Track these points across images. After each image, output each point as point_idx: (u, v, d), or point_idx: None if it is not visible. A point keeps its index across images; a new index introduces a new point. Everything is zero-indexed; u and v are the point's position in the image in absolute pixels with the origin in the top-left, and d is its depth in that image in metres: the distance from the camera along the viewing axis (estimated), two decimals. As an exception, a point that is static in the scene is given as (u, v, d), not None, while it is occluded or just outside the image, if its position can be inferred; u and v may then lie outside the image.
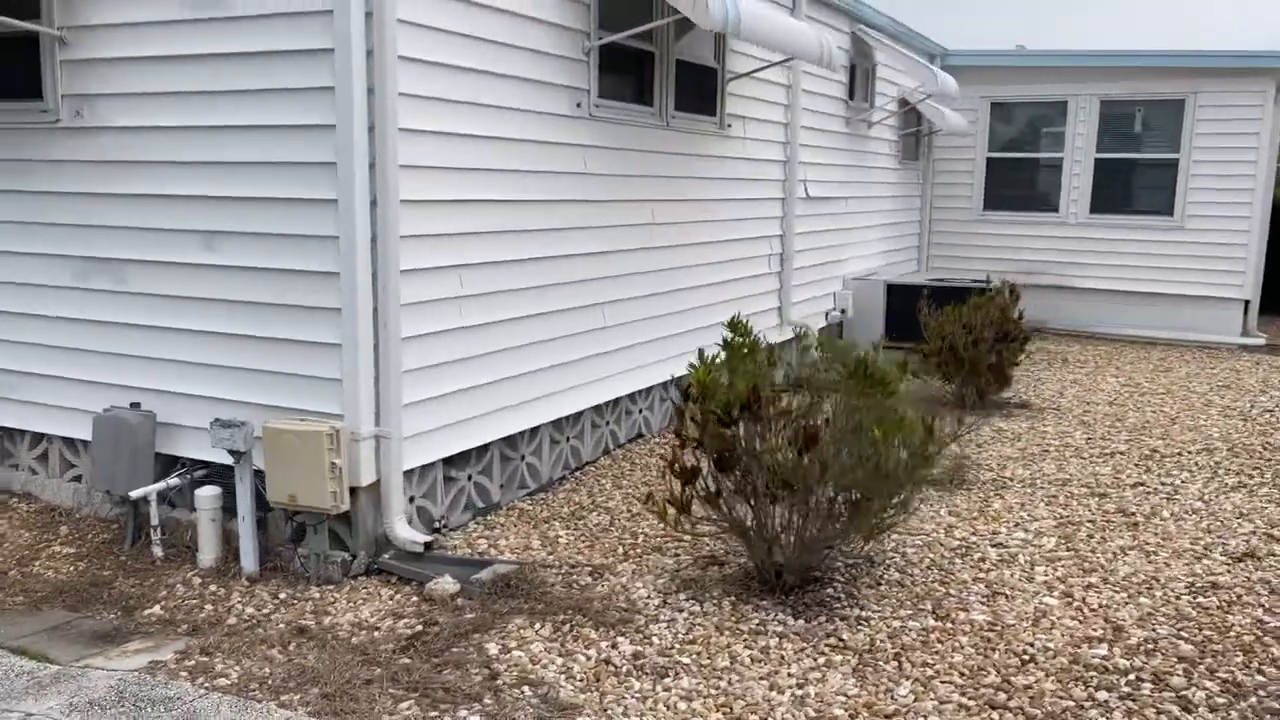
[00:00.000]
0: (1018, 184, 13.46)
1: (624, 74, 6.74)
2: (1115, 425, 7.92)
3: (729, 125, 8.03)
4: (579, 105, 6.14)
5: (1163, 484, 6.36)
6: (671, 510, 4.62)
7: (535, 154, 5.77)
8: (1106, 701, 3.64)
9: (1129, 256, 12.77)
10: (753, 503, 4.51)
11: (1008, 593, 4.61)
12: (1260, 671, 3.90)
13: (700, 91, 7.73)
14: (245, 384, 4.93)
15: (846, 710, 3.59)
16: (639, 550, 5.12)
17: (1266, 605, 4.51)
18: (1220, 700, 3.67)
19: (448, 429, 5.23)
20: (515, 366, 5.67)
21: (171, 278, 5.08)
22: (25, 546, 5.12)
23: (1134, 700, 3.65)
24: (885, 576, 4.77)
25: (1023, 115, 13.48)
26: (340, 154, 4.54)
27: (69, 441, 5.56)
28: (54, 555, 5.04)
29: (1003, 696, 3.68)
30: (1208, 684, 3.78)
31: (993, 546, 5.21)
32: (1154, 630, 4.22)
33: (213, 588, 4.69)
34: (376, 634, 4.18)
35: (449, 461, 5.38)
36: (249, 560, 4.83)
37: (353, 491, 4.75)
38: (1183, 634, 4.20)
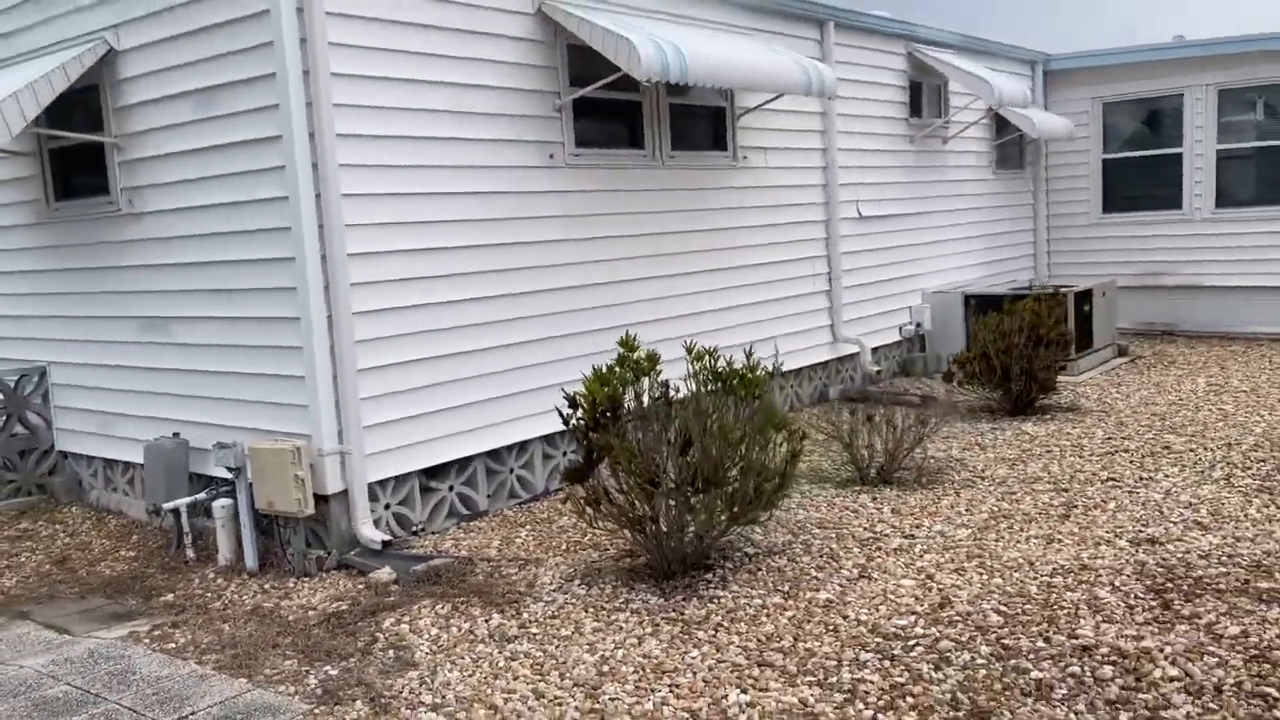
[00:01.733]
0: (1137, 184, 12.95)
1: (608, 123, 7.45)
2: (1151, 424, 7.73)
3: (744, 157, 8.55)
4: (552, 156, 6.91)
5: (1139, 479, 6.29)
6: (589, 509, 5.25)
7: (505, 203, 6.59)
8: (865, 661, 3.95)
9: (1262, 250, 12.01)
10: (634, 498, 5.05)
11: (873, 576, 4.90)
12: (1046, 639, 4.05)
13: (707, 129, 8.31)
14: (248, 414, 5.99)
15: (634, 667, 4.09)
16: (579, 548, 5.75)
17: (1115, 584, 4.57)
18: (980, 661, 3.88)
19: (416, 446, 6.08)
20: (485, 391, 6.45)
21: (196, 330, 6.24)
22: (101, 551, 6.40)
23: (890, 660, 3.94)
24: (771, 564, 5.16)
25: (1138, 113, 12.99)
26: (292, 219, 5.52)
27: (142, 466, 6.84)
28: (118, 558, 6.27)
29: (778, 657, 4.06)
30: (982, 648, 4.00)
31: (902, 537, 5.46)
32: (979, 606, 4.42)
33: (219, 581, 5.73)
34: (311, 613, 5.05)
35: (428, 473, 6.23)
36: (250, 558, 5.85)
37: (323, 499, 5.68)
38: (1004, 608, 4.38)
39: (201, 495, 6.15)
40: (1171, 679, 3.70)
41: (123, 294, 6.74)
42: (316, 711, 3.93)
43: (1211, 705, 3.51)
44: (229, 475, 5.88)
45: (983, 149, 12.07)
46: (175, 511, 6.15)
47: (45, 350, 7.45)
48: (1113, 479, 6.32)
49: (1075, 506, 5.81)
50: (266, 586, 5.56)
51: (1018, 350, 8.28)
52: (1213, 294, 12.30)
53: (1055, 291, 9.24)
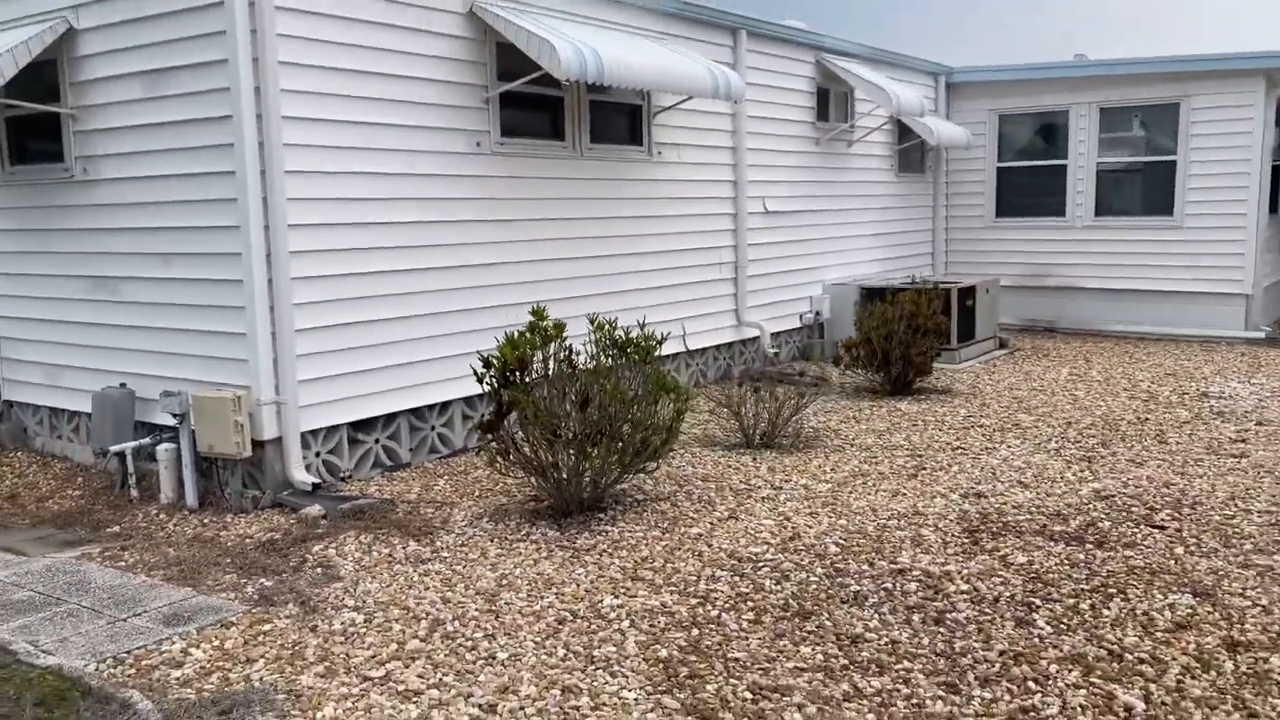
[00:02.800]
0: (1027, 191, 14.04)
1: (532, 115, 8.16)
2: (1009, 405, 8.71)
3: (659, 152, 9.32)
4: (479, 144, 7.60)
5: (984, 449, 7.22)
6: (499, 458, 5.98)
7: (434, 185, 7.26)
8: (719, 577, 4.77)
9: (1133, 256, 13.17)
10: (538, 448, 5.80)
11: (740, 517, 5.72)
12: (871, 564, 4.91)
13: (625, 125, 9.06)
14: (192, 366, 6.59)
15: (528, 581, 4.85)
16: (490, 494, 6.47)
17: (939, 526, 5.46)
18: (813, 579, 4.72)
19: (346, 401, 6.74)
20: (411, 354, 7.13)
21: (143, 289, 6.82)
22: (48, 490, 6.94)
23: (740, 576, 4.76)
24: (656, 508, 5.96)
25: (1029, 126, 14.07)
26: (239, 191, 6.14)
27: (90, 415, 7.39)
28: (66, 496, 6.83)
29: (649, 574, 4.85)
30: (817, 569, 4.84)
31: (771, 489, 6.30)
32: (822, 540, 5.27)
33: (162, 516, 6.33)
34: (247, 541, 5.71)
35: (356, 426, 6.90)
36: (191, 497, 6.47)
37: (259, 444, 6.32)
38: (842, 542, 5.23)
39: (146, 440, 6.74)
40: (962, 592, 4.58)
41: (74, 255, 7.26)
42: (254, 611, 4.61)
43: (987, 610, 4.38)
44: (173, 422, 6.48)
45: (886, 153, 13.02)
46: (121, 455, 6.73)
47: (-6, 305, 7.93)
48: (961, 448, 7.25)
49: (924, 468, 6.72)
50: (206, 521, 6.19)
51: (898, 337, 9.20)
52: (1089, 295, 13.45)
53: (935, 286, 10.21)
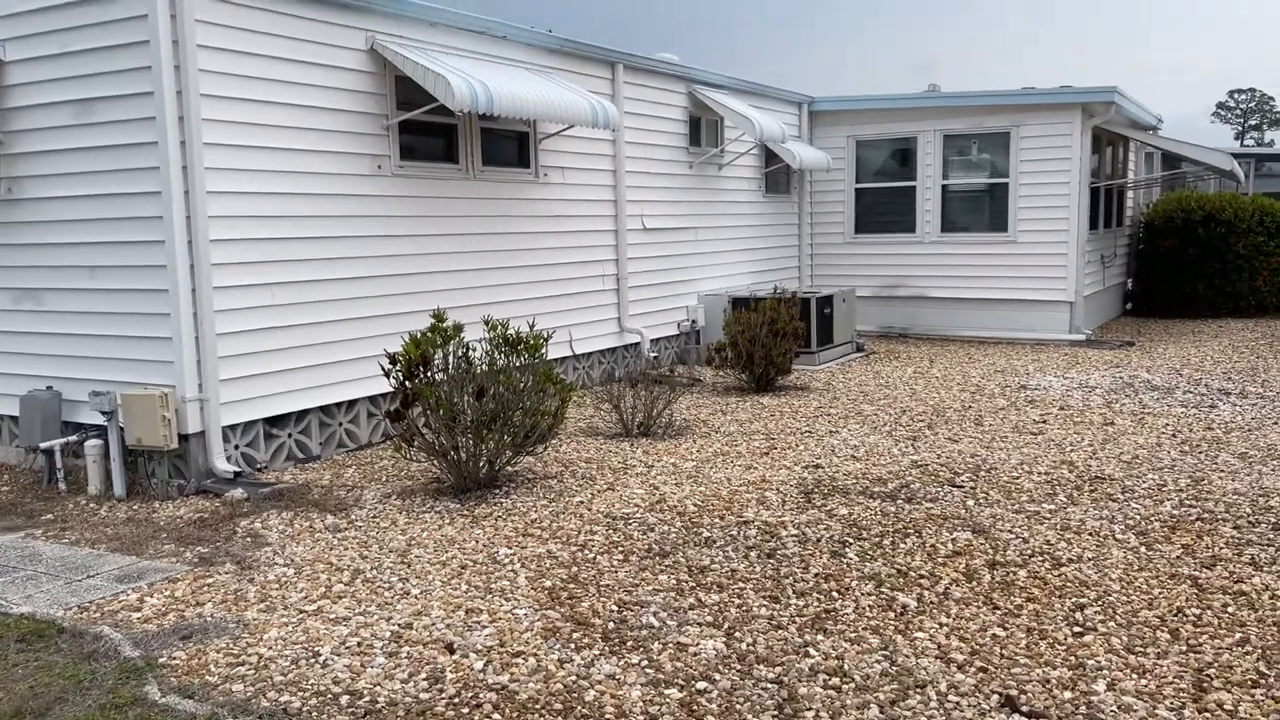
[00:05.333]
0: (882, 210, 15.47)
1: (429, 140, 9.02)
2: (856, 399, 9.91)
3: (545, 175, 10.27)
4: (380, 167, 8.43)
5: (828, 432, 8.36)
6: (404, 445, 6.81)
7: (340, 204, 8.06)
8: (596, 531, 5.73)
9: (975, 269, 14.68)
10: (439, 434, 6.66)
11: (616, 489, 6.69)
12: (721, 517, 5.95)
13: (514, 149, 10.00)
14: (117, 369, 7.23)
15: (434, 541, 5.71)
16: (396, 479, 7.28)
17: (780, 490, 6.54)
18: (673, 531, 5.72)
19: (261, 399, 7.47)
20: (321, 356, 7.90)
21: (69, 300, 7.43)
22: (-23, 487, 7.47)
23: (613, 530, 5.74)
24: (545, 485, 6.88)
25: (884, 150, 15.51)
26: (165, 211, 6.85)
27: (14, 419, 7.91)
28: (-6, 491, 7.37)
29: (537, 531, 5.78)
30: (677, 522, 5.85)
31: (645, 467, 7.29)
32: (683, 503, 6.28)
33: (92, 505, 6.95)
34: (179, 520, 6.41)
35: (271, 422, 7.63)
36: (119, 487, 7.11)
37: (184, 437, 7.01)
38: (699, 504, 6.26)
39: (74, 437, 7.34)
40: (792, 535, 5.63)
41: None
42: (196, 570, 5.36)
43: (809, 548, 5.44)
44: (102, 419, 7.11)
45: (754, 175, 14.25)
46: (49, 451, 7.32)
47: (-87, 317, 8.37)
48: (809, 432, 8.39)
49: (775, 448, 7.81)
50: (136, 507, 6.84)
51: (760, 341, 10.34)
52: (937, 304, 14.92)
53: (794, 295, 11.41)
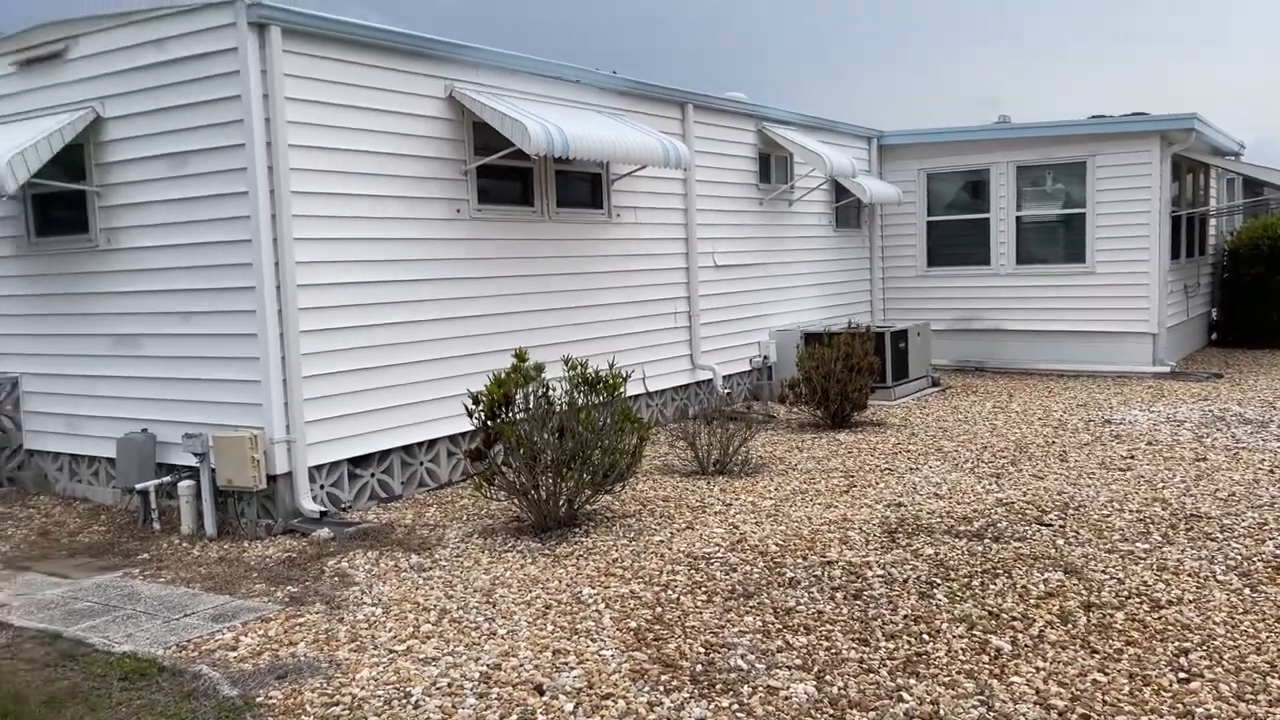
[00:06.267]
0: (955, 243, 15.31)
1: (505, 184, 9.19)
2: (935, 435, 9.76)
3: (618, 215, 10.38)
4: (459, 210, 8.60)
5: (908, 469, 8.25)
6: (484, 483, 6.89)
7: (420, 247, 8.23)
8: (678, 570, 5.71)
9: (1051, 301, 14.43)
10: (520, 473, 6.72)
11: (696, 527, 6.67)
12: (804, 557, 5.89)
13: (588, 191, 10.13)
14: (209, 412, 7.45)
15: (517, 580, 5.75)
16: (477, 518, 7.36)
17: (863, 529, 6.46)
18: (756, 570, 5.68)
19: (346, 440, 7.62)
20: (403, 397, 8.04)
21: (163, 345, 7.69)
22: (76, 527, 7.71)
23: (695, 570, 5.71)
24: (624, 523, 6.89)
25: (955, 183, 15.38)
26: (254, 258, 7.07)
27: (112, 461, 8.18)
28: (93, 532, 7.60)
29: (619, 571, 5.78)
30: (759, 562, 5.80)
31: (723, 505, 7.26)
32: (764, 541, 6.24)
33: (184, 545, 7.14)
34: (268, 559, 6.55)
35: (355, 462, 7.77)
36: (210, 526, 7.29)
37: (272, 478, 7.18)
38: (781, 543, 6.20)
39: (167, 478, 7.56)
40: (878, 576, 5.55)
41: (96, 315, 8.12)
42: (288, 609, 5.47)
43: (896, 588, 5.36)
44: (194, 461, 7.32)
45: (824, 210, 14.23)
46: (144, 492, 7.54)
47: (17, 363, 8.73)
48: (889, 469, 8.28)
49: (855, 486, 7.72)
50: (226, 546, 7.01)
51: (835, 376, 10.26)
52: (1014, 336, 14.67)
53: (869, 330, 11.31)
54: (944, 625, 4.83)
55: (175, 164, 7.46)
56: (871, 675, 4.32)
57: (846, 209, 14.76)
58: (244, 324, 7.20)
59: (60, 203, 8.28)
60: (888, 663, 4.45)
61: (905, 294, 15.58)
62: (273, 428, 7.15)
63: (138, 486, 7.52)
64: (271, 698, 4.30)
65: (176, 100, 7.36)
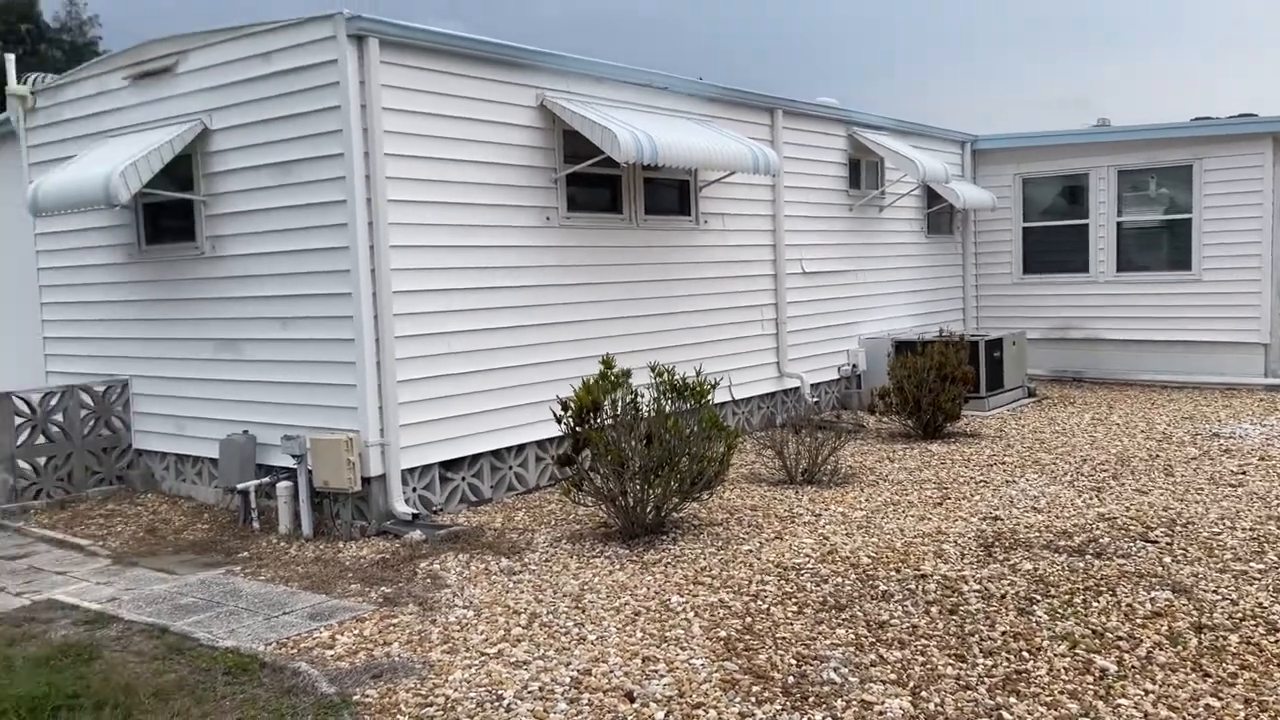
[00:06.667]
0: (1051, 249, 14.90)
1: (594, 191, 9.24)
2: (1032, 446, 9.50)
3: (705, 221, 10.36)
4: (548, 218, 8.68)
5: (1004, 482, 8.03)
6: (573, 489, 6.93)
7: (511, 255, 8.33)
8: (768, 580, 5.65)
9: (1154, 309, 13.93)
10: (608, 479, 6.73)
11: (785, 537, 6.60)
12: (897, 570, 5.77)
13: (675, 198, 10.13)
14: (306, 415, 7.63)
15: (606, 586, 5.75)
16: (564, 523, 7.39)
17: (958, 542, 6.30)
18: (848, 582, 5.58)
19: (437, 444, 7.74)
20: (493, 402, 8.13)
21: (263, 349, 7.91)
22: (181, 525, 7.98)
23: (786, 580, 5.63)
24: (711, 531, 6.85)
25: (1052, 188, 14.98)
26: (351, 265, 7.23)
27: (214, 461, 8.44)
28: (196, 529, 7.86)
29: (708, 579, 5.74)
30: (851, 574, 5.70)
31: (812, 515, 7.17)
32: (856, 553, 6.13)
33: (282, 544, 7.32)
34: (362, 560, 6.68)
35: (446, 465, 7.89)
36: (307, 527, 7.47)
37: (366, 480, 7.32)
38: (873, 555, 6.09)
39: (266, 479, 7.77)
40: (974, 591, 5.41)
41: (201, 320, 8.40)
42: (381, 610, 5.56)
43: (994, 604, 5.21)
44: (292, 462, 7.51)
45: (915, 216, 13.98)
46: (245, 492, 7.77)
47: (128, 366, 9.08)
48: (984, 481, 8.07)
49: (948, 498, 7.55)
50: (321, 547, 7.17)
51: (927, 385, 10.06)
52: (1114, 346, 14.20)
53: (963, 339, 11.07)
54: (1045, 643, 4.68)
55: (277, 174, 7.68)
56: (969, 693, 4.21)
57: (939, 215, 14.48)
58: (341, 329, 7.37)
59: (169, 212, 8.59)
60: (986, 680, 4.32)
61: (999, 302, 15.21)
62: (368, 431, 7.29)
63: (239, 486, 7.75)
64: (367, 696, 4.37)
65: (279, 112, 7.58)
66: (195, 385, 8.50)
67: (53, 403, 8.72)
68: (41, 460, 8.65)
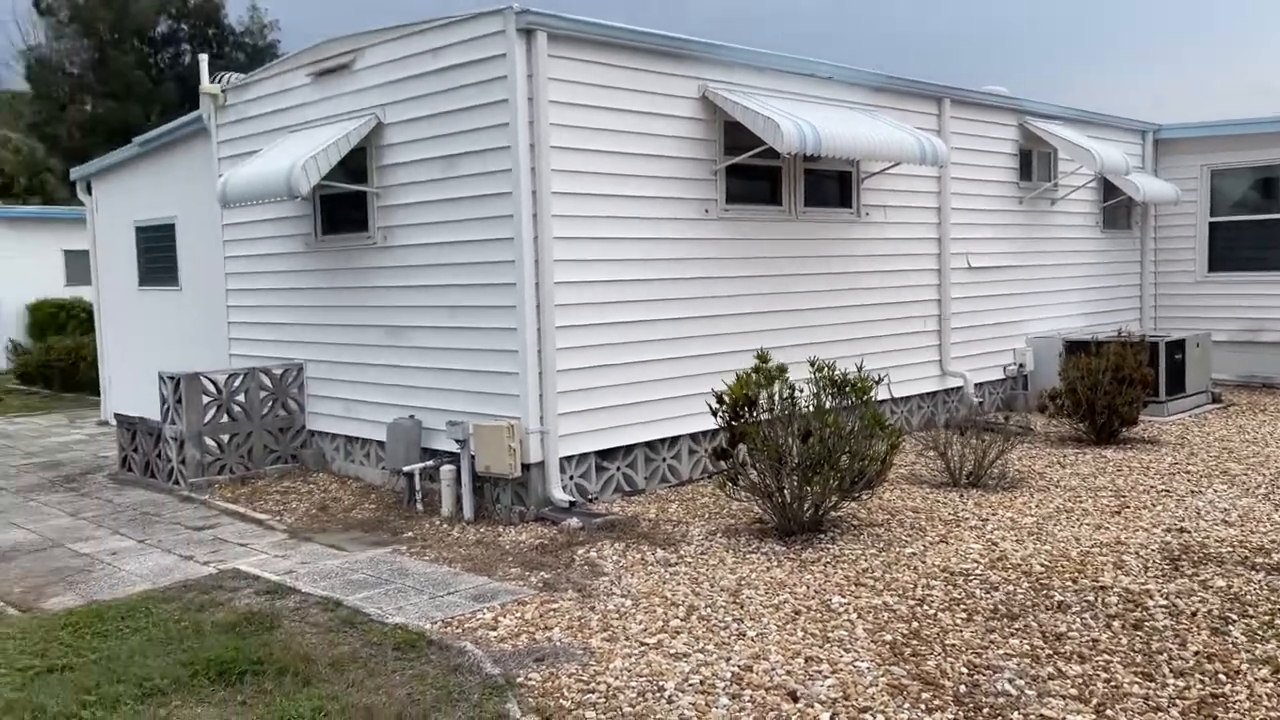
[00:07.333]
0: (1241, 245, 13.90)
1: (752, 183, 9.13)
2: (1219, 456, 8.88)
3: (867, 213, 10.10)
4: (707, 210, 8.62)
5: (1190, 492, 7.53)
6: (728, 483, 6.87)
7: (669, 247, 8.31)
8: (934, 585, 5.43)
9: (1361, 310, 12.83)
10: (764, 475, 6.64)
11: (950, 541, 6.35)
12: (1074, 580, 5.46)
13: (836, 189, 9.92)
14: (469, 401, 7.83)
15: (764, 583, 5.66)
16: (718, 517, 7.34)
17: (1140, 554, 5.91)
18: (1020, 591, 5.32)
19: (594, 433, 7.80)
20: (649, 394, 8.14)
21: (430, 337, 8.15)
22: (350, 503, 8.32)
23: (953, 585, 5.41)
24: (871, 532, 6.66)
25: (1244, 179, 13.96)
26: (516, 256, 7.36)
27: (381, 444, 8.76)
28: (363, 509, 8.17)
29: (870, 581, 5.57)
30: (1023, 583, 5.43)
31: (978, 520, 6.88)
32: (1028, 561, 5.84)
33: (444, 526, 7.53)
34: (521, 545, 6.79)
35: (601, 455, 7.95)
36: (468, 510, 7.66)
37: (526, 467, 7.45)
38: (1047, 563, 5.79)
39: (430, 462, 8.00)
40: (1160, 606, 5.07)
41: (372, 308, 8.72)
42: (541, 594, 5.63)
43: (1183, 622, 4.87)
44: (455, 447, 7.71)
45: (1090, 210, 13.28)
46: (410, 474, 8.03)
47: (303, 350, 9.52)
48: (1166, 491, 7.58)
49: (1127, 507, 7.12)
50: (482, 530, 7.33)
51: (1103, 388, 9.53)
52: (1314, 350, 13.12)
53: (1141, 339, 10.43)
54: (1243, 666, 4.34)
55: (446, 166, 7.89)
56: (1159, 714, 3.94)
57: (1115, 209, 13.71)
58: (505, 319, 7.51)
59: (344, 203, 8.94)
60: (1178, 702, 4.03)
61: (1180, 301, 14.28)
62: (528, 418, 7.41)
63: (404, 469, 8.01)
64: (530, 679, 4.43)
65: (448, 106, 7.78)
66: (364, 370, 8.84)
67: (236, 384, 9.23)
68: (225, 438, 9.17)
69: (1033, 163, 12.33)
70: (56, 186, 32.66)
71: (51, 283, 21.27)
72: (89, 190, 13.55)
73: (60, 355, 17.59)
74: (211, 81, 10.17)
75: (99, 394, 14.23)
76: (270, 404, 9.40)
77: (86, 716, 4.22)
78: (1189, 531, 6.43)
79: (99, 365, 14.10)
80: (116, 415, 10.39)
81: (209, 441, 9.11)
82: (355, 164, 8.59)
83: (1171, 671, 4.31)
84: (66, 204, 26.33)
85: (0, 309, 21.14)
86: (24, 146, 33.51)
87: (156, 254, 12.45)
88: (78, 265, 19.86)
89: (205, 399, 9.05)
